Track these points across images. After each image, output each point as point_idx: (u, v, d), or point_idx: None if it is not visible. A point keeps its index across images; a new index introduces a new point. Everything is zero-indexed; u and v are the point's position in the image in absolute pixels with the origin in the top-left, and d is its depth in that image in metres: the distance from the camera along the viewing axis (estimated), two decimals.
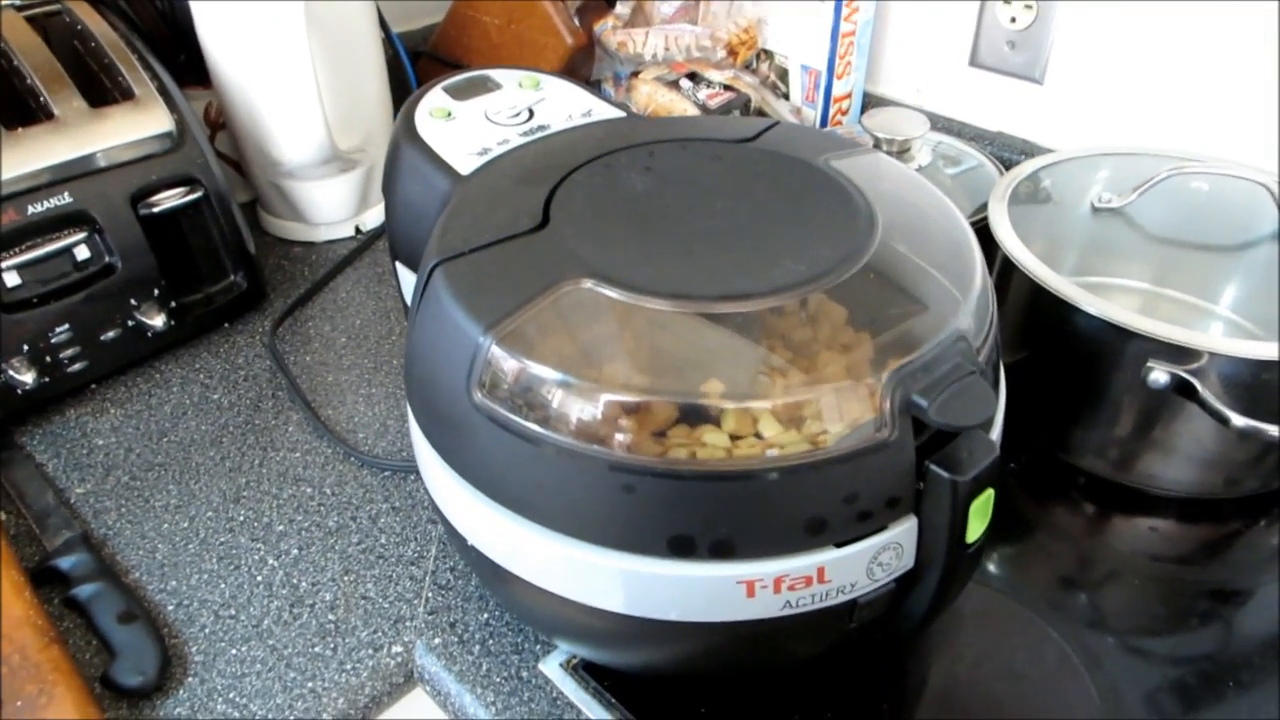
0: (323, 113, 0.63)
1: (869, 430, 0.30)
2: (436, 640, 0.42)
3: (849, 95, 0.74)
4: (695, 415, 0.30)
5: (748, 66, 0.76)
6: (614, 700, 0.39)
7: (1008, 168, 0.61)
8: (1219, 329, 0.56)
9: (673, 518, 0.31)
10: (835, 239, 0.35)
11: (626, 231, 0.36)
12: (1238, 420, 0.42)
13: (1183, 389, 0.43)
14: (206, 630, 0.43)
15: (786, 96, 0.75)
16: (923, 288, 0.34)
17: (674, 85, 0.71)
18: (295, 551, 0.46)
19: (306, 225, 0.70)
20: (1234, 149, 0.59)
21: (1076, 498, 0.50)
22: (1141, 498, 0.49)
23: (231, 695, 0.40)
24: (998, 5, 0.66)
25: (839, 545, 0.31)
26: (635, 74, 0.75)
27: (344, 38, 0.66)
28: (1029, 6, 0.64)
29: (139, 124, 0.55)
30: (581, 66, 0.78)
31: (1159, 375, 0.43)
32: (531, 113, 0.45)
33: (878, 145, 0.61)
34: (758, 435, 0.30)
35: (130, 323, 0.55)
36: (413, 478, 0.51)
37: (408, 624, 0.43)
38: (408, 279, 0.46)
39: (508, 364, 0.31)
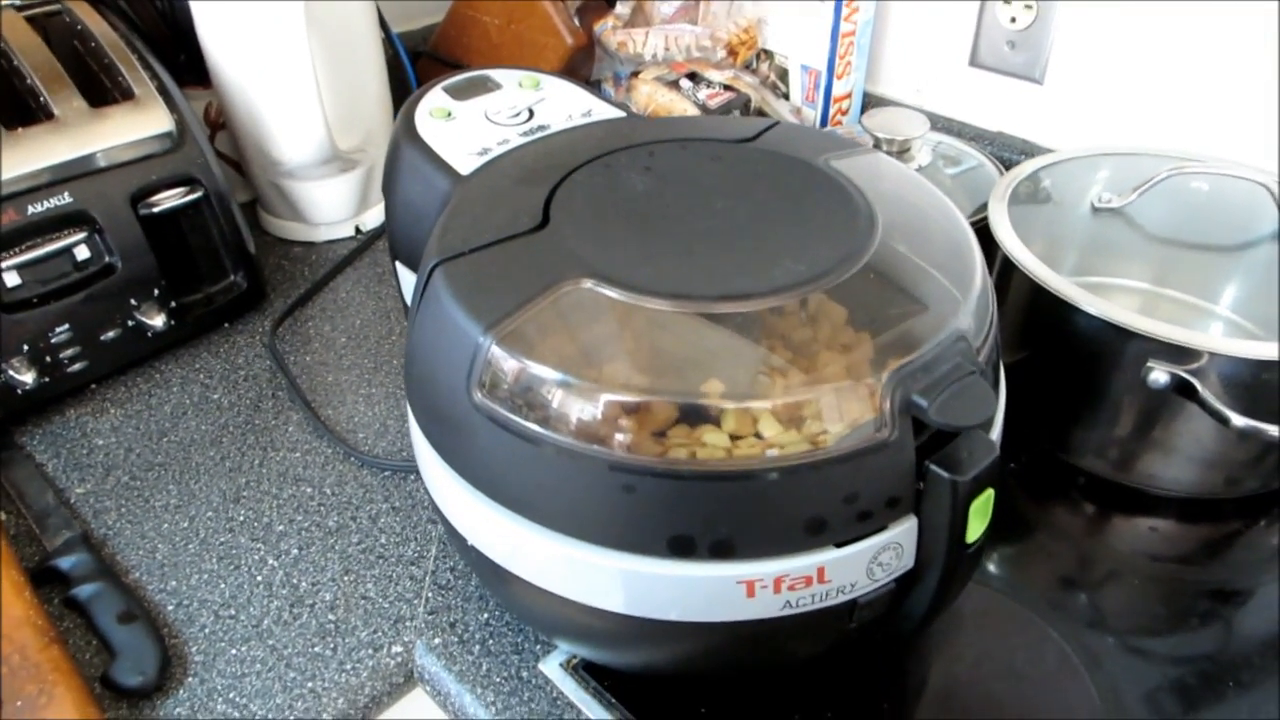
0: (323, 113, 0.63)
1: (869, 430, 0.30)
2: (436, 640, 0.42)
3: (849, 95, 0.74)
4: (695, 415, 0.30)
5: (748, 66, 0.76)
6: (614, 700, 0.39)
7: (1008, 168, 0.61)
8: (1219, 329, 0.56)
9: (673, 518, 0.31)
10: (835, 239, 0.35)
11: (626, 231, 0.36)
12: (1238, 420, 0.42)
13: (1183, 389, 0.43)
14: (206, 630, 0.43)
15: (786, 96, 0.75)
16: (923, 288, 0.34)
17: (674, 85, 0.71)
18: (295, 551, 0.46)
19: (306, 225, 0.70)
20: (1234, 149, 0.59)
21: (1076, 498, 0.50)
22: (1141, 498, 0.49)
23: (231, 695, 0.40)
24: (998, 5, 0.66)
25: (839, 545, 0.31)
26: (635, 74, 0.75)
27: (344, 38, 0.66)
28: (1029, 6, 0.64)
29: (139, 124, 0.55)
30: (581, 66, 0.78)
31: (1159, 375, 0.43)
32: (531, 113, 0.45)
33: (878, 145, 0.61)
34: (758, 435, 0.30)
35: (130, 323, 0.55)
36: (413, 478, 0.51)
37: (408, 624, 0.43)
38: (408, 279, 0.46)
39: (508, 364, 0.31)
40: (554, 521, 0.33)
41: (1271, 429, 0.42)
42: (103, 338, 0.54)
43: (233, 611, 0.44)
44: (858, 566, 0.32)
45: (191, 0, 0.61)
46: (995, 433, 0.36)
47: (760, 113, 0.74)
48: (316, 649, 0.42)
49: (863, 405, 0.30)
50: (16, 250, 0.51)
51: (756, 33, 0.74)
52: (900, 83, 0.75)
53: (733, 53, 0.74)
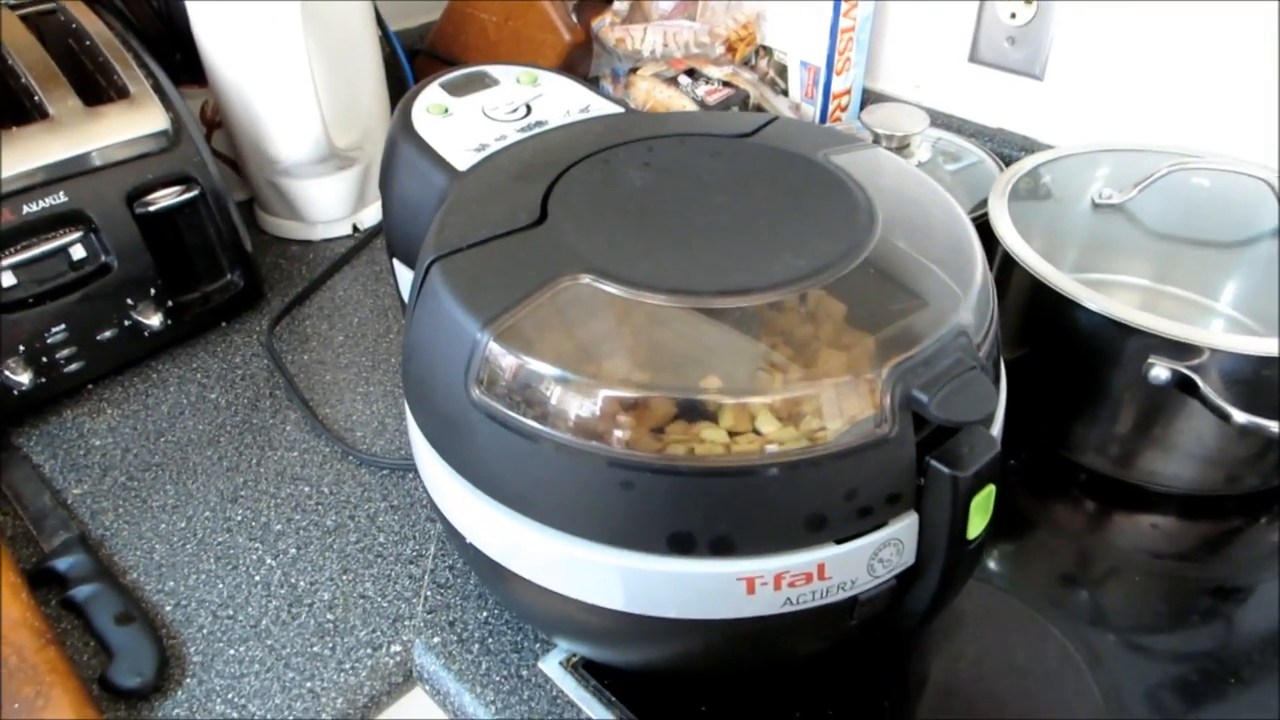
0: (319, 111, 0.63)
1: (869, 426, 0.30)
2: (435, 639, 0.42)
3: (848, 91, 0.74)
4: (693, 411, 0.30)
5: (746, 63, 0.76)
6: (614, 699, 0.39)
7: (1007, 164, 0.61)
8: (1219, 325, 0.56)
9: (672, 514, 0.31)
10: (835, 234, 0.35)
11: (625, 227, 0.36)
12: (1239, 416, 0.41)
13: (1184, 385, 0.43)
14: (204, 630, 0.42)
15: (785, 93, 0.75)
16: (923, 283, 0.34)
17: (672, 81, 0.71)
18: (293, 551, 0.46)
19: (304, 223, 0.70)
20: (1235, 145, 0.58)
21: (1077, 494, 0.50)
22: (1142, 494, 0.49)
23: (230, 696, 0.40)
24: (998, 2, 0.66)
25: (839, 542, 0.31)
26: (633, 70, 0.75)
27: (341, 35, 0.65)
28: (1029, 2, 0.64)
29: (134, 123, 0.55)
30: (580, 63, 0.78)
31: (1160, 371, 0.43)
32: (529, 109, 0.45)
33: (877, 141, 0.61)
34: (756, 431, 0.30)
35: (127, 322, 0.55)
36: (411, 476, 0.50)
37: (406, 623, 0.43)
38: (405, 276, 0.46)
39: (506, 360, 0.31)
40: (553, 519, 0.32)
41: (1272, 425, 0.42)
42: (99, 337, 0.54)
43: (231, 611, 0.43)
44: (858, 563, 0.32)
45: None
46: (996, 429, 0.36)
47: (759, 109, 0.73)
48: (315, 649, 0.42)
49: (863, 401, 0.30)
50: (12, 250, 0.50)
51: (755, 29, 0.74)
52: (900, 79, 0.75)
53: (731, 49, 0.74)
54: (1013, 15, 0.65)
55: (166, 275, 0.56)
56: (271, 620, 0.43)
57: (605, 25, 0.76)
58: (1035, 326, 0.49)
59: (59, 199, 0.52)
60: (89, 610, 0.42)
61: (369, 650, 0.42)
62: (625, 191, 0.38)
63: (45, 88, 0.54)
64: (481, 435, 0.33)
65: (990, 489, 0.32)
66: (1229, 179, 0.54)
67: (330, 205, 0.69)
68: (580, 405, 0.30)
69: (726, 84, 0.71)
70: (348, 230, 0.71)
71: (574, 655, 0.41)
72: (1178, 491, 0.49)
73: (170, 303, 0.57)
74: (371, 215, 0.72)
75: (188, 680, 0.40)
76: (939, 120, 0.71)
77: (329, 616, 0.43)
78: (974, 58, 0.69)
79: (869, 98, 0.76)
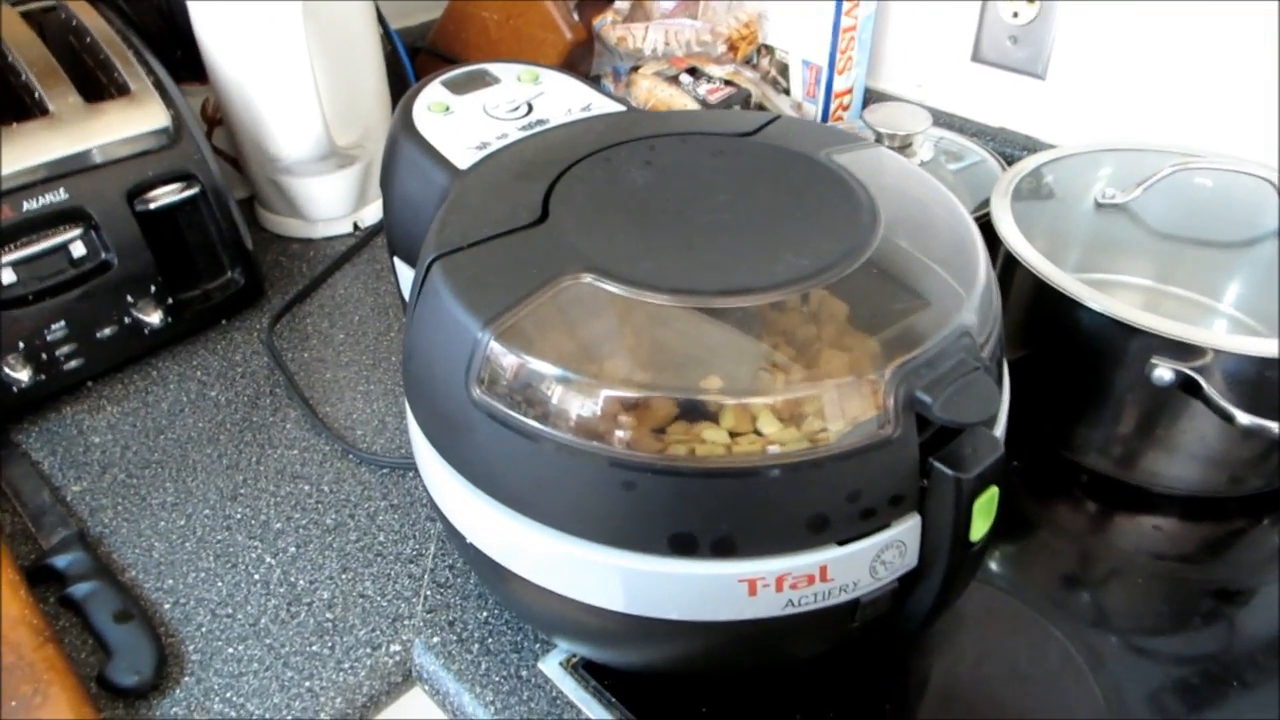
0: (320, 108, 0.63)
1: (872, 427, 0.30)
2: (435, 639, 0.41)
3: (850, 90, 0.74)
4: (694, 411, 0.30)
5: (748, 62, 0.76)
6: (614, 699, 0.39)
7: (1010, 163, 0.61)
8: (1222, 326, 0.56)
9: (674, 515, 0.31)
10: (837, 234, 0.35)
11: (626, 226, 0.36)
12: (1243, 418, 0.41)
13: (1188, 386, 0.43)
14: (203, 629, 0.42)
15: (787, 92, 0.75)
16: (926, 283, 0.34)
17: (674, 80, 0.71)
18: (293, 549, 0.46)
19: (304, 221, 0.70)
20: (1238, 144, 0.58)
21: (1079, 495, 0.50)
22: (1145, 496, 0.49)
23: (228, 695, 0.40)
24: (1000, 1, 0.65)
25: (842, 543, 0.31)
26: (635, 69, 0.75)
27: (342, 34, 0.65)
28: (1031, 1, 0.64)
29: (135, 120, 0.55)
30: (581, 62, 0.77)
31: (1164, 372, 0.43)
32: (530, 107, 0.45)
33: (879, 141, 0.61)
34: (757, 432, 0.30)
35: (127, 320, 0.55)
36: (411, 475, 0.50)
37: (406, 622, 0.43)
38: (406, 275, 0.45)
39: (507, 359, 0.31)
40: (553, 519, 0.32)
41: (1276, 426, 0.41)
42: (99, 335, 0.54)
43: (230, 610, 0.43)
44: (861, 565, 0.32)
45: None
46: (999, 430, 0.35)
47: (761, 107, 0.73)
48: (314, 648, 0.42)
49: (865, 402, 0.30)
50: (12, 247, 0.50)
51: (757, 27, 0.74)
52: (902, 78, 0.75)
53: (733, 48, 0.74)
54: (1015, 14, 0.65)
55: (167, 273, 0.56)
56: (270, 619, 0.43)
57: (607, 24, 0.76)
58: (1037, 327, 0.49)
59: (59, 196, 0.51)
60: (87, 608, 0.42)
61: (368, 650, 0.41)
62: (627, 190, 0.38)
63: (46, 84, 0.54)
64: (482, 435, 0.32)
65: (993, 491, 0.32)
66: (1232, 179, 0.54)
67: (331, 203, 0.69)
68: (581, 405, 0.30)
69: (728, 83, 0.70)
70: (348, 228, 0.71)
71: (574, 656, 0.40)
72: (1180, 493, 0.49)
73: (170, 300, 0.56)
74: (372, 213, 0.71)
75: (186, 679, 0.40)
76: (941, 119, 0.70)
77: (328, 615, 0.43)
78: (976, 57, 0.69)
79: (871, 97, 0.76)
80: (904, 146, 0.61)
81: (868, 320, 0.32)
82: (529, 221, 0.36)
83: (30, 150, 0.51)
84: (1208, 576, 0.46)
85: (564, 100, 0.46)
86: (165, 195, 0.55)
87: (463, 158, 0.41)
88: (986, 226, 0.47)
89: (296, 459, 0.51)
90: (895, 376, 0.30)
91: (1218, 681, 0.40)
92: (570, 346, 0.32)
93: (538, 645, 0.41)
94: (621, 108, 0.45)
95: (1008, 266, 0.49)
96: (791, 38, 0.73)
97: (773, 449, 0.30)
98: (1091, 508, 0.49)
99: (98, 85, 0.57)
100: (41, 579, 0.44)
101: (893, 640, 0.40)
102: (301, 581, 0.45)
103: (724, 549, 0.31)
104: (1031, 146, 0.67)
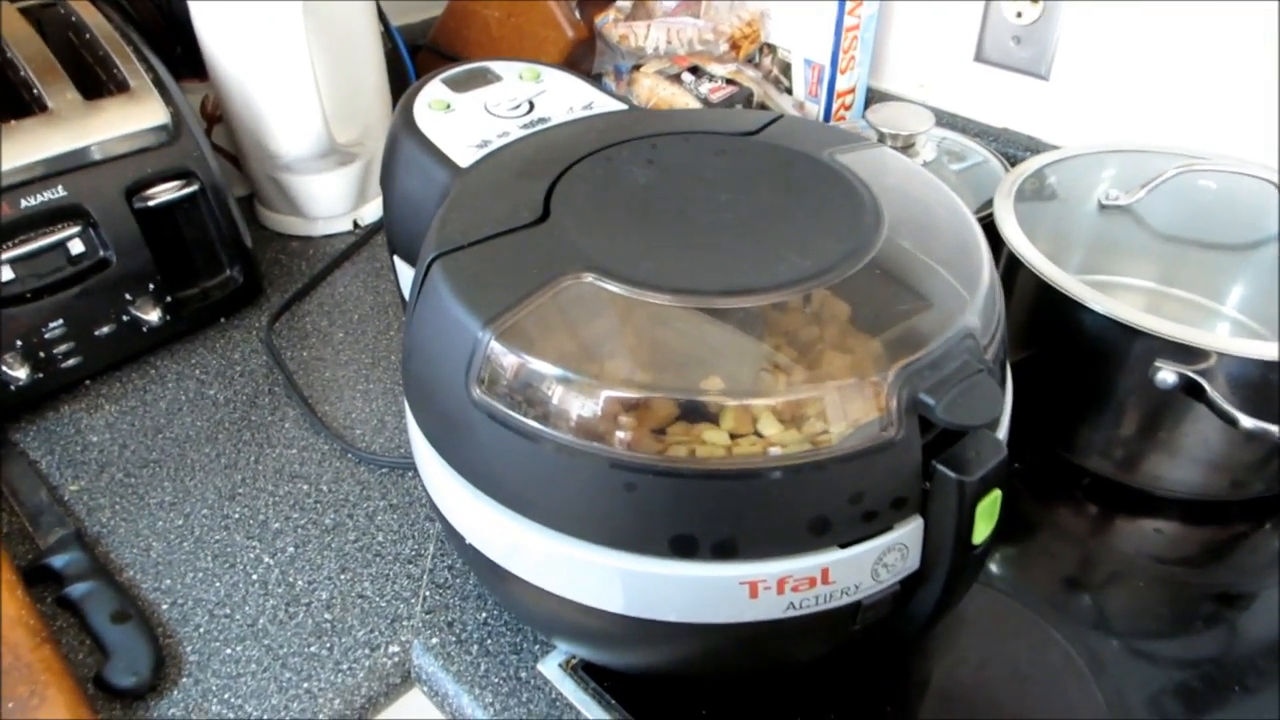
0: (320, 106, 0.63)
1: (875, 429, 0.30)
2: (434, 640, 0.41)
3: (852, 90, 0.73)
4: (694, 412, 0.30)
5: (750, 60, 0.76)
6: (614, 701, 0.38)
7: (1012, 164, 0.61)
8: (1225, 329, 0.56)
9: (675, 517, 0.31)
10: (840, 234, 0.35)
11: (628, 225, 0.36)
12: (1246, 422, 0.41)
13: (1191, 389, 0.42)
14: (201, 630, 0.42)
15: (789, 91, 0.75)
16: (929, 284, 0.34)
17: (676, 79, 0.71)
18: (291, 549, 0.46)
19: (304, 219, 0.70)
20: (1242, 146, 0.58)
21: (1080, 498, 0.50)
22: (1146, 499, 0.49)
23: (226, 696, 0.40)
24: (1004, 1, 0.65)
25: (844, 546, 0.31)
26: (637, 67, 0.74)
27: (342, 30, 0.65)
28: (1035, 1, 0.64)
29: (134, 117, 0.55)
30: (582, 60, 0.77)
31: (1167, 375, 0.43)
32: (532, 105, 0.45)
33: (882, 140, 0.60)
34: (758, 434, 0.30)
35: (125, 318, 0.55)
36: (410, 475, 0.50)
37: (405, 623, 0.42)
38: (406, 273, 0.45)
39: (507, 359, 0.31)
40: (553, 520, 0.32)
41: (1278, 430, 0.41)
42: (97, 333, 0.54)
43: (228, 610, 0.43)
44: (863, 568, 0.31)
45: None
46: (1002, 432, 0.35)
47: (763, 107, 0.73)
48: (312, 649, 0.41)
49: (868, 404, 0.30)
50: (10, 244, 0.50)
51: (759, 26, 0.74)
52: (904, 78, 0.74)
53: (735, 46, 0.74)
54: (1019, 14, 0.65)
55: (165, 271, 0.56)
56: (269, 619, 0.43)
57: (609, 22, 0.76)
58: (1040, 328, 0.49)
59: (57, 193, 0.51)
60: (85, 608, 0.42)
61: (367, 651, 0.41)
62: (628, 189, 0.38)
63: (44, 81, 0.54)
64: (482, 435, 0.32)
65: (996, 494, 0.31)
66: (1236, 181, 0.54)
67: (331, 201, 0.69)
68: (582, 405, 0.30)
69: (730, 82, 0.70)
70: (348, 226, 0.70)
71: (573, 657, 0.40)
72: (1182, 496, 0.48)
73: (169, 298, 0.56)
74: (372, 211, 0.71)
75: (184, 680, 0.40)
76: (944, 119, 0.70)
77: (327, 616, 0.43)
78: (979, 57, 0.69)
79: (873, 96, 0.75)
80: (906, 146, 0.61)
81: (870, 321, 0.32)
82: (530, 220, 0.36)
83: (28, 147, 0.51)
84: (1209, 580, 0.45)
85: (565, 99, 0.45)
86: (164, 193, 0.55)
87: (463, 156, 0.41)
88: (989, 227, 0.47)
89: (295, 458, 0.51)
90: (898, 378, 0.30)
91: (1219, 686, 0.40)
92: (571, 346, 0.32)
93: (537, 646, 0.41)
94: (623, 106, 0.45)
95: (1010, 268, 0.49)
96: (794, 37, 0.72)
97: (774, 451, 0.29)
98: (1093, 510, 0.49)
99: (97, 82, 0.56)
100: (39, 579, 0.44)
101: (894, 643, 0.40)
102: (300, 582, 0.44)
103: (725, 551, 0.31)
104: (1034, 147, 0.67)
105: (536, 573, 0.34)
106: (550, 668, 0.40)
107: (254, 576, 0.45)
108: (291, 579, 0.44)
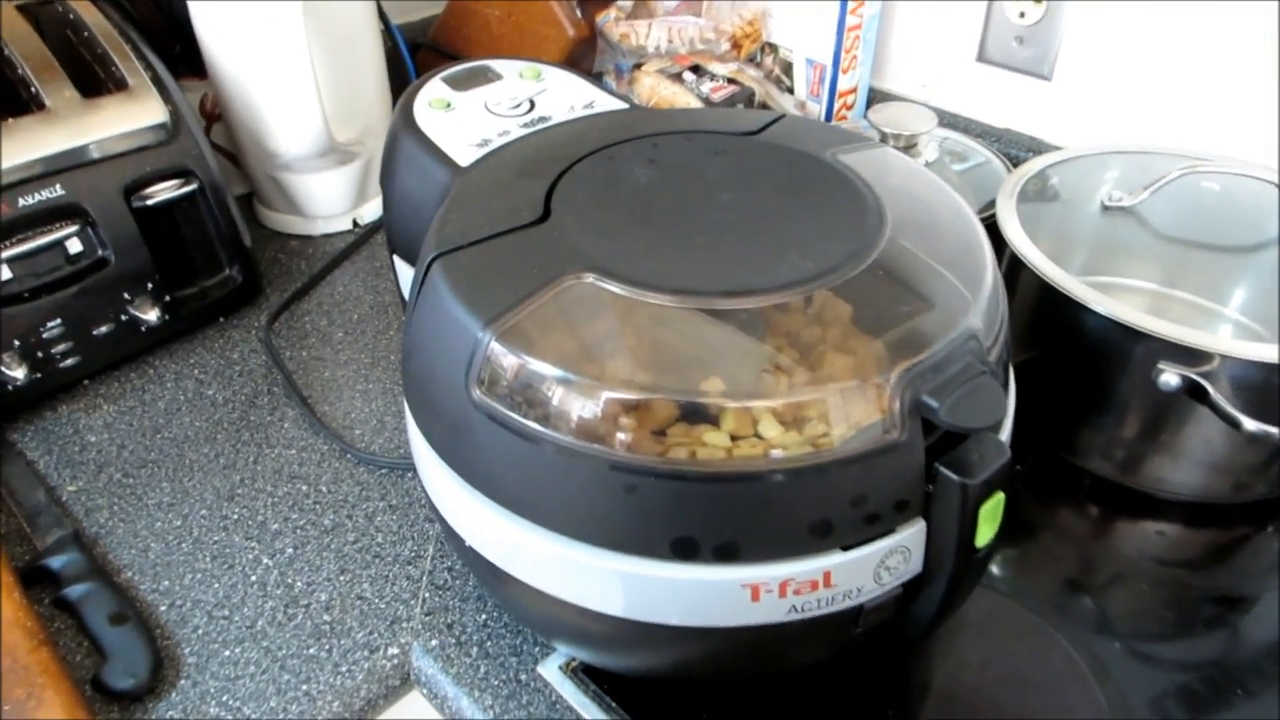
0: (320, 104, 0.62)
1: (877, 431, 0.30)
2: (434, 642, 0.41)
3: (854, 90, 0.73)
4: (695, 414, 0.29)
5: (752, 60, 0.75)
6: (614, 704, 0.38)
7: (1015, 165, 0.61)
8: (1228, 331, 0.56)
9: (676, 519, 0.30)
10: (843, 235, 0.34)
11: (629, 225, 0.35)
12: (1249, 424, 0.41)
13: (1194, 392, 0.42)
14: (199, 631, 0.42)
15: (791, 90, 0.75)
16: (932, 286, 0.34)
17: (677, 78, 0.71)
18: (290, 550, 0.46)
19: (303, 218, 0.69)
20: (1245, 148, 0.58)
21: (1082, 500, 0.49)
22: (1148, 501, 0.49)
23: (224, 698, 0.39)
24: (1006, 1, 0.65)
25: (846, 549, 0.31)
26: (638, 66, 0.74)
27: (342, 29, 0.65)
28: (1038, 1, 0.63)
29: (133, 115, 0.54)
30: (583, 59, 0.77)
31: (1170, 377, 0.42)
32: (532, 104, 0.44)
33: (884, 140, 0.60)
34: (758, 436, 0.29)
35: (123, 317, 0.54)
36: (410, 475, 0.50)
37: (404, 625, 0.42)
38: (406, 273, 0.45)
39: (507, 360, 0.31)
40: (553, 522, 0.32)
41: None
42: (95, 332, 0.54)
43: (226, 612, 0.43)
44: (865, 571, 0.31)
45: None
46: (1005, 435, 0.35)
47: (764, 106, 0.73)
48: (311, 650, 0.41)
49: (870, 406, 0.30)
50: (8, 243, 0.50)
51: (761, 26, 0.74)
52: (906, 78, 0.74)
53: (737, 46, 0.74)
54: (1021, 14, 0.65)
55: (164, 270, 0.56)
56: (267, 621, 0.42)
57: (610, 20, 0.76)
58: (1042, 330, 0.49)
59: (55, 192, 0.51)
60: (82, 610, 0.42)
61: (366, 652, 0.41)
62: (629, 189, 0.38)
63: (42, 79, 0.53)
64: (482, 436, 0.32)
65: (999, 497, 0.31)
66: (1239, 183, 0.54)
67: (330, 200, 0.69)
68: (583, 407, 0.30)
69: (731, 81, 0.70)
70: (348, 226, 0.70)
71: (574, 660, 0.40)
72: (1184, 499, 0.48)
73: (168, 298, 0.56)
74: (372, 210, 0.71)
75: (182, 682, 0.40)
76: (946, 120, 0.70)
77: (326, 618, 0.43)
78: (982, 57, 0.69)
79: (875, 96, 0.75)
80: (909, 147, 0.61)
81: (873, 323, 0.32)
82: (530, 220, 0.35)
83: (26, 145, 0.51)
84: (1211, 583, 0.45)
85: (566, 98, 0.45)
86: (163, 191, 0.55)
87: (464, 155, 0.41)
88: (991, 228, 0.47)
89: (294, 459, 0.51)
90: (901, 380, 0.30)
91: (1221, 688, 0.40)
92: (571, 347, 0.32)
93: (537, 649, 0.41)
94: (624, 105, 0.45)
95: (1013, 269, 0.49)
96: (796, 36, 0.72)
97: (776, 453, 0.29)
98: (1094, 512, 0.49)
99: (95, 80, 0.56)
100: (36, 580, 0.43)
101: (896, 646, 0.40)
102: (299, 583, 0.44)
103: (726, 554, 0.30)
104: (1037, 148, 0.67)
105: (536, 575, 0.34)
106: (550, 670, 0.40)
107: (253, 578, 0.44)
108: (290, 580, 0.44)
